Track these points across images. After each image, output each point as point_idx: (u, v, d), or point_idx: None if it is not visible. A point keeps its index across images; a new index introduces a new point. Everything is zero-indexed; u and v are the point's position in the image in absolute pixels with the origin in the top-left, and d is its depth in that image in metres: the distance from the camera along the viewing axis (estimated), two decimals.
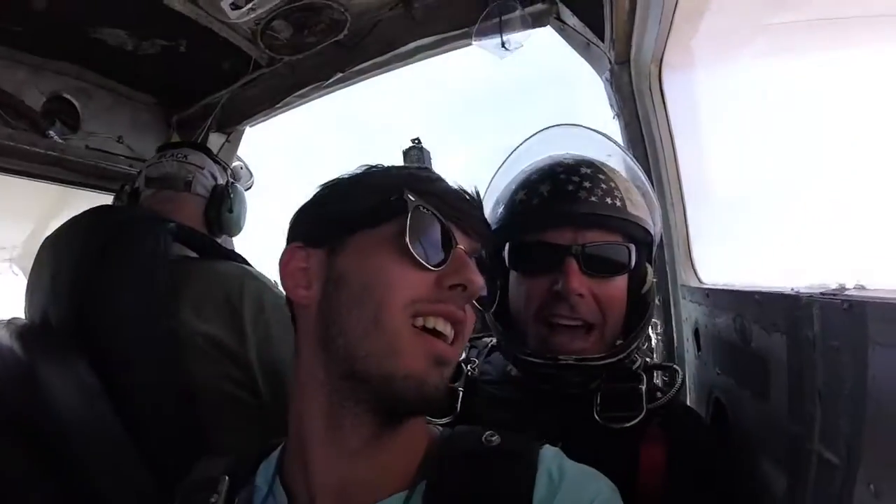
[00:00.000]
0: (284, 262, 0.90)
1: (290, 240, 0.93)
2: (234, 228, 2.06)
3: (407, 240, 0.82)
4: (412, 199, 0.85)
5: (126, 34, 2.18)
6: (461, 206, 0.91)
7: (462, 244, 0.88)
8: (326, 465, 0.85)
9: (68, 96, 2.36)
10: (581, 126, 1.44)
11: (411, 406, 0.82)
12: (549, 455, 0.86)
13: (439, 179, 0.94)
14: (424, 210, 0.85)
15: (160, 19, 2.13)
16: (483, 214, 0.97)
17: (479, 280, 0.85)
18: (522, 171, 1.36)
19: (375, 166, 0.96)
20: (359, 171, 0.95)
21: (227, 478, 0.92)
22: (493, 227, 1.31)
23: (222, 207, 1.95)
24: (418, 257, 0.82)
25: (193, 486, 0.94)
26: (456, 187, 0.94)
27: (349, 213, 0.88)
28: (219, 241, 2.04)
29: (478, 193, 0.97)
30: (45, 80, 2.27)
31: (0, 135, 2.08)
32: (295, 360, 0.92)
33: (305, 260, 0.89)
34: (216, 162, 2.05)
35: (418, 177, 0.93)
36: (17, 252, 3.16)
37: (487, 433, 0.90)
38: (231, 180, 2.04)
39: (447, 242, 0.86)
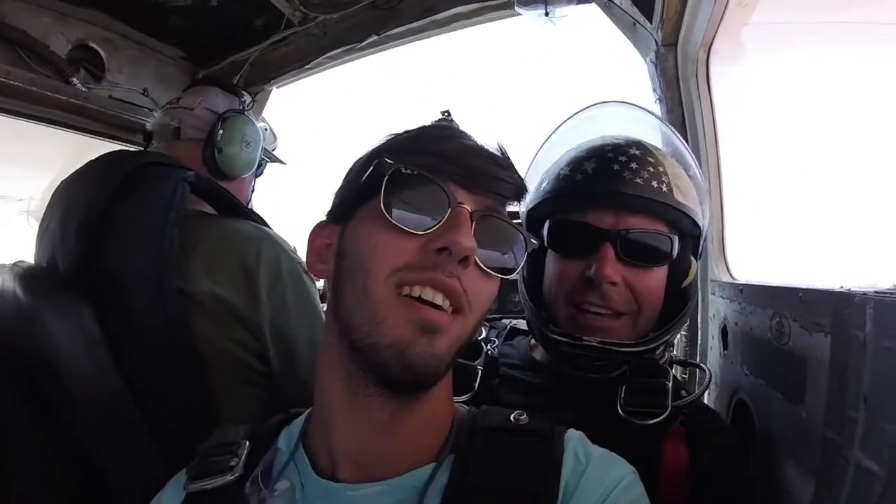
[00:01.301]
0: (311, 240, 0.94)
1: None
2: (233, 169, 1.88)
3: (381, 204, 0.79)
4: (388, 162, 0.81)
5: None
6: (469, 161, 0.84)
7: (467, 203, 0.82)
8: (347, 435, 0.85)
9: (94, 45, 2.32)
10: (633, 105, 1.38)
11: (395, 376, 0.78)
12: (575, 438, 0.88)
13: (450, 135, 0.88)
14: (408, 171, 0.81)
15: None
16: (504, 171, 0.87)
17: (464, 242, 0.77)
18: (573, 148, 1.31)
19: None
20: (384, 140, 0.93)
21: (246, 442, 0.92)
22: (536, 202, 1.29)
23: (214, 148, 1.82)
24: (396, 222, 0.79)
25: (212, 449, 0.93)
26: (470, 143, 0.87)
27: (355, 186, 0.88)
28: (247, 203, 1.99)
29: (503, 150, 0.89)
30: (71, 27, 2.23)
31: (21, 79, 2.03)
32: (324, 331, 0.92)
33: (329, 236, 0.91)
34: (230, 91, 1.94)
35: (423, 134, 0.89)
36: (34, 204, 3.15)
37: (516, 412, 0.90)
38: (228, 113, 1.87)
39: (443, 203, 0.80)
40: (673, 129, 1.41)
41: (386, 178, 0.80)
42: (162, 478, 0.97)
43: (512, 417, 0.89)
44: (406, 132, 0.92)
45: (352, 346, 0.80)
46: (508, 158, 0.90)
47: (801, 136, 1.65)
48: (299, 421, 0.96)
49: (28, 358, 1.24)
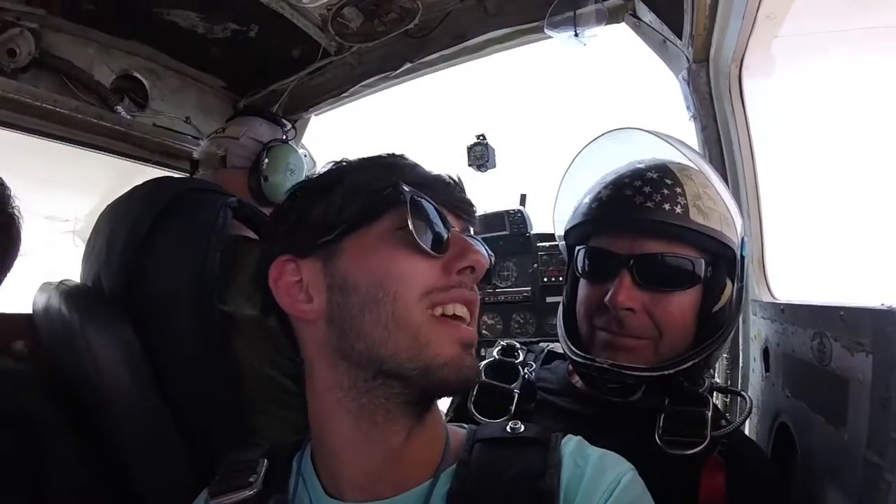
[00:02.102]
0: (275, 279, 0.88)
1: (271, 254, 0.90)
2: (278, 196, 1.71)
3: (412, 229, 0.82)
4: (407, 189, 0.84)
5: (198, 17, 2.20)
6: (446, 189, 0.91)
7: (455, 225, 0.89)
8: (357, 464, 0.86)
9: (138, 75, 2.40)
10: (644, 131, 1.35)
11: (453, 388, 0.86)
12: (573, 442, 0.90)
13: (416, 164, 0.93)
14: (419, 198, 0.84)
15: (233, 3, 2.17)
16: (465, 195, 0.95)
17: (484, 260, 0.87)
18: (602, 177, 1.32)
19: (340, 162, 0.95)
20: (331, 171, 0.94)
21: (265, 459, 0.94)
22: (567, 228, 1.35)
23: (259, 176, 1.87)
24: (425, 246, 0.82)
25: (233, 467, 0.95)
26: (436, 173, 0.93)
27: (338, 215, 0.86)
28: None
29: (459, 177, 0.96)
30: (115, 58, 2.32)
31: (67, 107, 2.11)
32: (308, 372, 0.91)
33: (297, 272, 0.87)
34: (273, 121, 2.00)
35: (399, 164, 0.92)
36: (80, 225, 3.24)
37: (511, 423, 0.94)
38: (273, 142, 1.93)
39: (444, 227, 0.86)
40: (689, 147, 1.38)
41: (409, 203, 0.83)
42: (197, 496, 0.98)
43: (508, 428, 0.93)
44: (366, 162, 0.94)
45: (385, 373, 0.82)
46: (462, 183, 0.97)
47: (840, 147, 1.62)
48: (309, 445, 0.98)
49: (71, 373, 1.27)
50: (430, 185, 0.89)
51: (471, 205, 0.94)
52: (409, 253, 0.82)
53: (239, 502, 0.89)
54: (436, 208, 0.86)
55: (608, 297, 1.17)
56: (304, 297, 0.86)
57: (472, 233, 0.93)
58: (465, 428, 0.98)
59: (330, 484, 0.89)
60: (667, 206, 1.17)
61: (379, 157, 0.94)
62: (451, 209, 0.89)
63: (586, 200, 1.29)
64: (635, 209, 1.18)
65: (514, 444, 0.90)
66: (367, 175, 0.89)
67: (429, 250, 0.82)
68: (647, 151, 1.32)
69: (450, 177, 0.94)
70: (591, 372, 1.22)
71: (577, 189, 1.39)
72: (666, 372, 1.19)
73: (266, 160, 1.88)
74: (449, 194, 0.90)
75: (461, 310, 0.85)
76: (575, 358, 1.25)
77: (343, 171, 0.92)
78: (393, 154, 0.94)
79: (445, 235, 0.85)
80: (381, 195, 0.85)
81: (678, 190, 1.19)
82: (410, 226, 0.81)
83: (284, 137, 1.99)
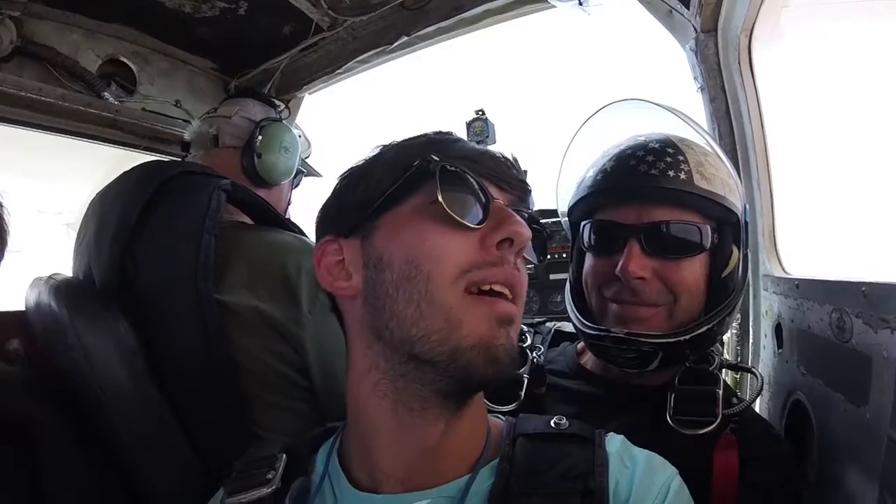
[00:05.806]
0: (318, 259, 0.89)
1: (319, 237, 0.92)
2: (273, 175, 1.88)
3: (440, 199, 0.78)
4: (436, 158, 0.81)
5: None
6: (489, 161, 0.87)
7: (499, 198, 0.84)
8: (394, 453, 0.84)
9: (125, 59, 2.35)
10: (641, 100, 1.34)
11: (482, 374, 0.78)
12: (617, 440, 0.88)
13: (461, 140, 0.91)
14: (452, 168, 0.81)
15: None
16: (517, 170, 0.91)
17: (525, 231, 0.81)
18: (605, 152, 1.31)
19: (390, 144, 0.93)
20: (374, 152, 0.93)
21: (283, 455, 0.92)
22: (570, 205, 1.33)
23: (253, 154, 1.82)
24: (456, 216, 0.78)
25: (249, 464, 0.93)
26: (482, 147, 0.91)
27: (373, 193, 0.86)
28: (285, 211, 1.99)
29: (513, 156, 0.92)
30: (100, 43, 2.28)
31: (52, 95, 2.08)
32: (349, 352, 0.90)
33: (339, 252, 0.87)
34: (266, 102, 1.97)
35: (440, 139, 0.89)
36: (73, 217, 3.21)
37: (555, 418, 0.91)
38: (266, 121, 1.88)
39: (483, 199, 0.82)
40: (688, 117, 1.35)
41: (438, 172, 0.79)
42: (204, 491, 0.97)
43: (552, 422, 0.90)
44: (409, 139, 0.91)
45: (415, 357, 0.79)
46: (517, 162, 0.92)
47: (852, 120, 1.59)
48: (334, 437, 0.96)
49: (65, 370, 1.24)
50: (474, 158, 0.85)
51: (520, 179, 0.90)
52: (442, 227, 0.79)
53: (256, 500, 0.86)
54: (474, 179, 0.81)
55: (619, 267, 1.17)
56: (343, 276, 0.86)
57: (521, 209, 0.88)
58: (501, 419, 0.95)
59: (363, 475, 0.87)
60: (671, 174, 1.17)
61: (422, 135, 0.91)
62: (495, 181, 0.85)
63: (590, 174, 1.28)
64: (640, 177, 1.19)
65: (559, 440, 0.87)
66: (407, 152, 0.87)
67: (462, 221, 0.78)
68: (648, 125, 1.32)
69: (500, 153, 0.90)
70: (606, 343, 1.21)
71: (579, 164, 1.37)
72: (682, 338, 1.19)
73: (259, 137, 1.84)
74: (494, 167, 0.86)
75: (500, 287, 0.80)
76: (588, 331, 1.25)
77: (385, 151, 0.91)
78: (439, 131, 0.91)
79: (484, 206, 0.81)
80: (411, 167, 0.83)
81: (681, 158, 1.20)
82: (440, 197, 0.78)
83: (279, 117, 1.96)
